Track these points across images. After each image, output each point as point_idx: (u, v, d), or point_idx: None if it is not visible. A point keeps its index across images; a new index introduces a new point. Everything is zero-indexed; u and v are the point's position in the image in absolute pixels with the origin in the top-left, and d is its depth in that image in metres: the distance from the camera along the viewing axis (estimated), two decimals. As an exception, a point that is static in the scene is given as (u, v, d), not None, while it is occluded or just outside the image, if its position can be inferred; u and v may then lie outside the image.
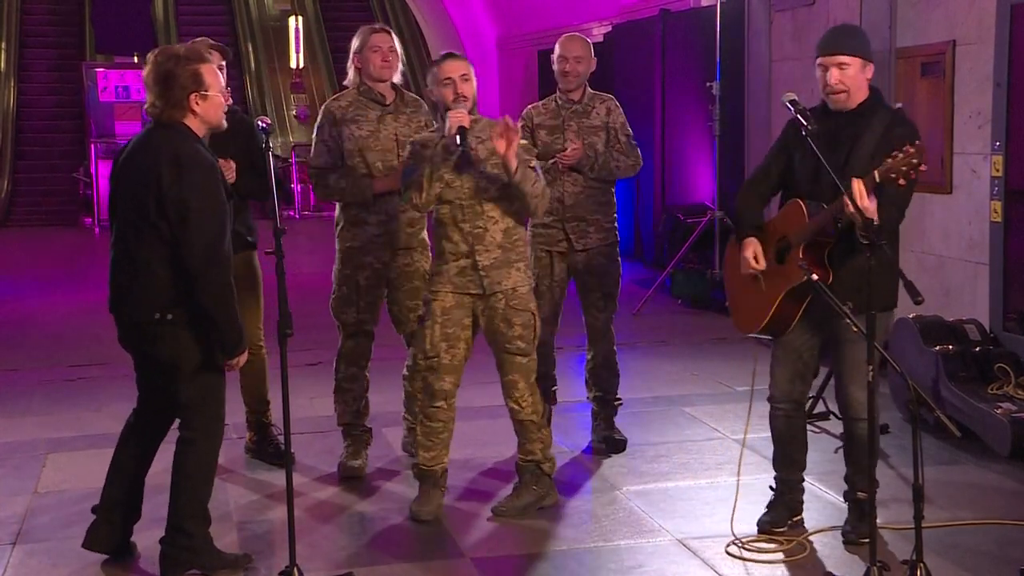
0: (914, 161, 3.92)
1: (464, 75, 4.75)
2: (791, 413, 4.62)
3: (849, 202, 4.00)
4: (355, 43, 5.41)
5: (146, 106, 4.22)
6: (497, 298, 4.80)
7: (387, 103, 5.40)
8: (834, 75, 4.28)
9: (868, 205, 4.01)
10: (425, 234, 5.50)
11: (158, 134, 4.18)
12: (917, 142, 4.00)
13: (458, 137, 4.63)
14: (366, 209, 5.33)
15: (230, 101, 4.46)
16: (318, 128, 5.42)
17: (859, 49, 4.31)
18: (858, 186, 4.01)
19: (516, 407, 4.89)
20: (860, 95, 4.33)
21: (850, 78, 4.28)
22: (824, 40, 4.37)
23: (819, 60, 4.34)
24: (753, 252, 4.43)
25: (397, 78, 5.43)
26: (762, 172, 4.59)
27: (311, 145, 5.53)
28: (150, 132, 4.22)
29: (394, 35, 5.45)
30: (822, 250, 4.30)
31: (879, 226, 3.95)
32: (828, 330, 4.49)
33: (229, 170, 4.97)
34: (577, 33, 5.92)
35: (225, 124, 4.36)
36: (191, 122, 4.18)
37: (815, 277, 4.12)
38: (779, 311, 4.39)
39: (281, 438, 5.52)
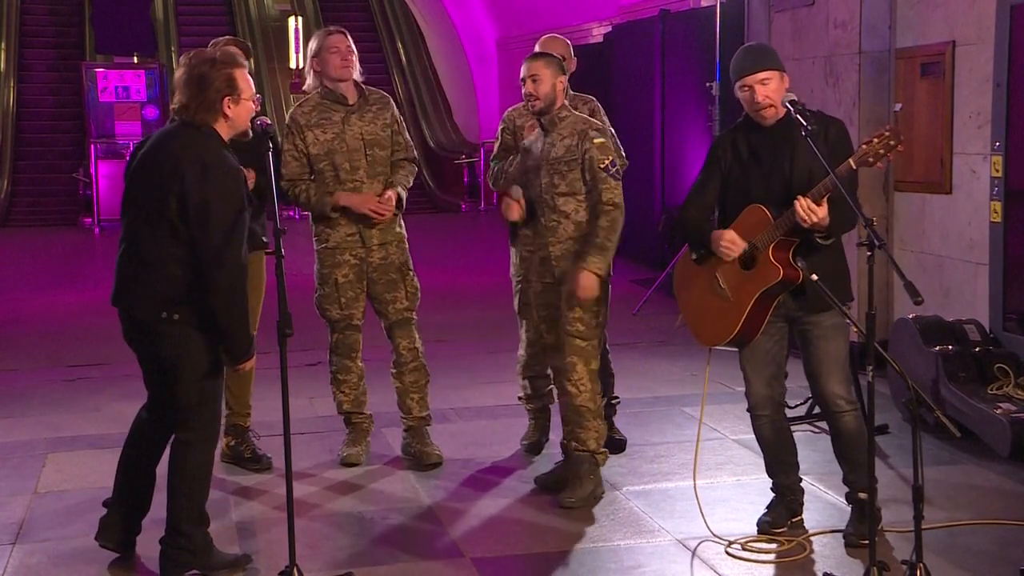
0: (891, 143, 4.08)
1: (533, 76, 5.01)
2: (774, 417, 4.64)
3: (804, 216, 4.15)
4: (312, 47, 5.47)
5: (174, 107, 4.21)
6: (567, 285, 4.98)
7: (350, 103, 5.45)
8: (760, 92, 4.39)
9: (821, 217, 4.16)
10: (400, 228, 5.56)
11: (183, 134, 4.17)
12: (890, 125, 4.12)
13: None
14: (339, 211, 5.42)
15: (259, 107, 4.46)
16: (285, 137, 5.49)
17: (776, 63, 4.45)
18: (805, 203, 4.16)
19: (574, 390, 4.98)
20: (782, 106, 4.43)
21: (773, 91, 4.41)
22: (741, 63, 4.46)
23: (740, 82, 4.43)
24: (728, 237, 4.43)
25: (358, 76, 5.48)
26: (699, 192, 4.64)
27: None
28: (173, 132, 4.21)
29: (348, 35, 5.49)
30: (790, 248, 4.34)
31: (866, 224, 3.97)
32: (794, 327, 4.53)
33: (248, 178, 5.00)
34: (555, 35, 5.88)
35: (251, 132, 4.38)
36: (220, 126, 4.19)
37: (814, 277, 4.14)
38: (751, 316, 4.41)
39: (259, 443, 5.58)
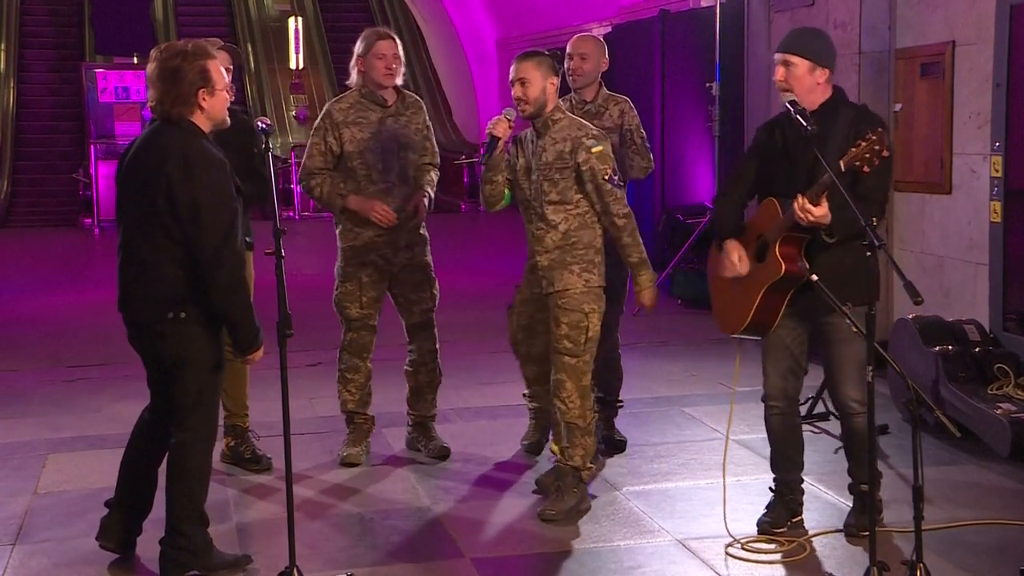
0: (876, 147, 4.01)
1: (522, 79, 4.82)
2: (786, 411, 4.64)
3: (800, 215, 4.15)
4: (359, 47, 5.46)
5: (150, 103, 4.21)
6: (552, 298, 4.88)
7: (388, 105, 5.46)
8: (779, 72, 4.38)
9: (817, 216, 4.13)
10: (425, 230, 5.58)
11: (164, 132, 4.18)
12: (879, 129, 4.07)
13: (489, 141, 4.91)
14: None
15: (233, 98, 4.45)
16: (316, 129, 5.50)
17: (808, 51, 4.37)
18: (802, 201, 4.14)
19: (562, 407, 4.88)
20: (814, 96, 4.39)
21: (795, 78, 4.36)
22: (782, 39, 4.47)
23: (774, 56, 4.44)
24: (737, 255, 4.47)
25: (399, 80, 5.48)
26: (736, 178, 4.65)
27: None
28: (156, 131, 4.21)
29: (398, 40, 5.49)
30: (800, 244, 4.33)
31: (865, 224, 3.95)
32: (814, 325, 4.52)
33: None
34: (588, 34, 5.90)
35: (228, 121, 4.38)
36: (198, 119, 4.18)
37: (814, 278, 4.13)
38: (761, 308, 4.41)
39: (258, 444, 5.58)
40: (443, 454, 5.68)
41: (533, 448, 5.76)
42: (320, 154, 5.44)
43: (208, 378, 4.25)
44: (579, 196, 4.86)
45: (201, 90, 4.15)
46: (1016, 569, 4.16)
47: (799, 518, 4.71)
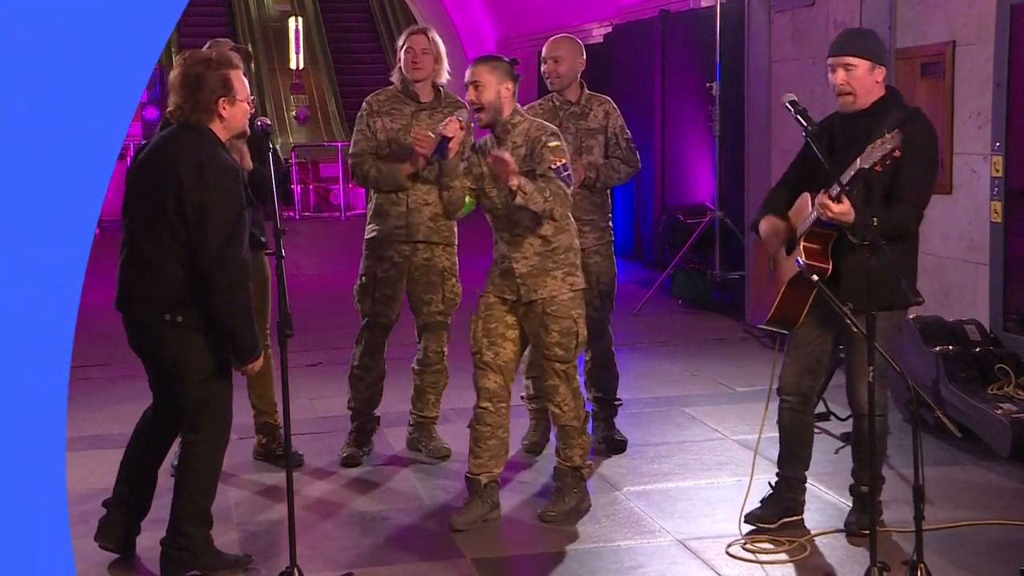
0: (888, 147, 3.99)
1: (475, 82, 4.72)
2: (797, 407, 4.64)
3: (819, 211, 4.17)
4: (398, 43, 5.63)
5: (170, 108, 4.23)
6: (535, 305, 4.80)
7: (422, 100, 5.54)
8: (840, 76, 4.36)
9: (836, 212, 4.13)
10: (451, 231, 5.59)
11: (181, 136, 4.19)
12: (896, 130, 4.04)
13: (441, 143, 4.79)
14: (389, 201, 5.48)
15: (254, 109, 4.46)
16: (357, 120, 5.64)
17: (867, 51, 4.36)
18: (821, 197, 4.15)
19: (557, 411, 4.88)
20: (871, 96, 4.39)
21: (856, 80, 4.35)
22: (834, 41, 4.47)
23: (828, 61, 4.43)
24: (772, 225, 4.48)
25: (444, 78, 5.56)
26: (784, 176, 4.69)
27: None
28: (172, 134, 4.23)
29: (432, 36, 5.56)
30: (827, 241, 4.33)
31: (877, 226, 3.94)
32: (839, 326, 4.51)
33: (244, 156, 4.92)
34: (565, 34, 5.90)
35: (248, 131, 4.40)
36: (216, 127, 4.20)
37: (815, 278, 4.13)
38: (784, 301, 4.42)
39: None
40: (443, 454, 5.69)
41: (533, 448, 5.77)
42: (365, 139, 5.52)
43: (216, 383, 4.26)
44: None
45: (222, 99, 4.17)
46: (1016, 569, 4.16)
47: (798, 517, 4.71)
